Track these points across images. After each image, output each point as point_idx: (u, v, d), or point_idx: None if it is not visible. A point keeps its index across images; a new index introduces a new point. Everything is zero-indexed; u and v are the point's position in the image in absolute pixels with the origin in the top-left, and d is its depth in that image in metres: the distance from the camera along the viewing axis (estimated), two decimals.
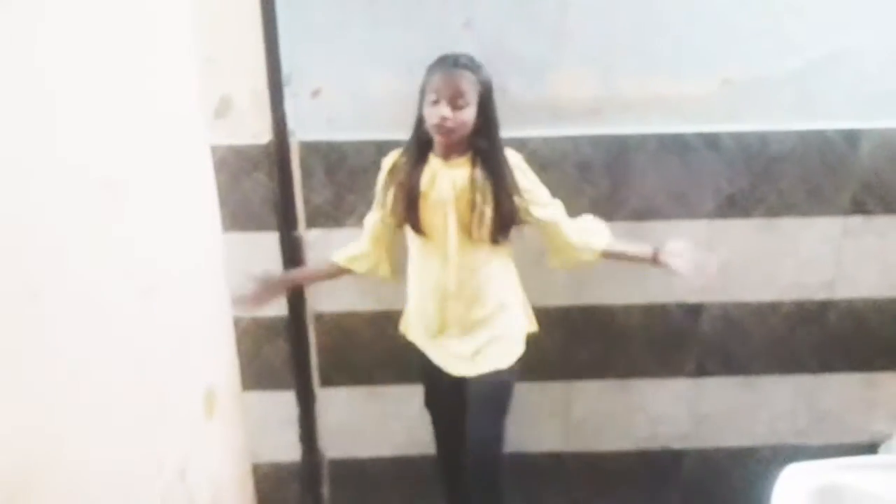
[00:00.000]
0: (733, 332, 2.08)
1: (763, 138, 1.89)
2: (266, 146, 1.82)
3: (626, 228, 1.94)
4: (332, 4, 1.76)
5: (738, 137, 1.89)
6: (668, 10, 1.79)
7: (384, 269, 1.81)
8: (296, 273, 1.90)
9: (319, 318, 2.02)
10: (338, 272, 1.82)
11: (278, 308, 1.97)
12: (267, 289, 1.80)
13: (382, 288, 1.96)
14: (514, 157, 1.66)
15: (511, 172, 1.63)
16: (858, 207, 1.97)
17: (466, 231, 1.63)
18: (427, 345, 1.79)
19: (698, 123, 1.87)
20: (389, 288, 1.94)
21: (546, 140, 1.85)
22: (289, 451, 2.13)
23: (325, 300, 2.01)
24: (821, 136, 1.90)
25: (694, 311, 2.05)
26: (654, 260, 1.72)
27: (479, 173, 1.60)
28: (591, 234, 1.74)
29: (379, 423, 2.15)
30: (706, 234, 1.97)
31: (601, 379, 2.11)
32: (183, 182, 1.67)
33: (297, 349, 2.02)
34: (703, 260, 1.71)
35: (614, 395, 2.14)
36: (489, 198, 1.60)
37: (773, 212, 1.96)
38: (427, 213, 1.64)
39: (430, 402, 1.92)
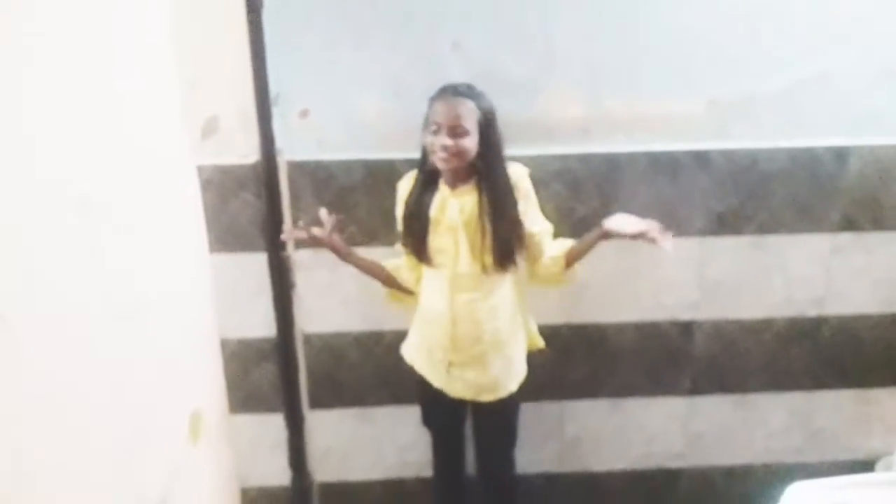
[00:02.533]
0: (726, 349, 2.07)
1: (752, 156, 1.89)
2: (254, 166, 1.81)
3: (616, 246, 1.92)
4: (320, 25, 1.76)
5: (728, 155, 1.89)
6: (655, 31, 1.80)
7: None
8: (350, 249, 1.79)
9: (308, 339, 2.00)
10: (384, 275, 1.80)
11: (266, 329, 1.95)
12: (316, 236, 1.71)
13: (370, 308, 1.95)
14: (519, 172, 1.67)
15: (514, 196, 1.63)
16: (848, 224, 1.97)
17: (477, 257, 1.63)
18: (431, 370, 1.77)
19: (687, 142, 1.88)
20: (377, 308, 1.92)
21: (536, 159, 1.84)
22: (278, 475, 2.09)
23: (313, 321, 1.98)
24: (809, 153, 1.90)
25: (686, 328, 2.04)
26: (606, 234, 1.67)
27: (485, 199, 1.61)
28: (556, 247, 1.73)
29: (369, 446, 2.12)
30: (697, 251, 1.97)
31: (595, 398, 2.09)
32: (169, 203, 1.65)
33: (286, 371, 1.99)
34: (642, 222, 1.64)
35: (608, 415, 2.12)
36: (495, 223, 1.60)
37: (764, 229, 1.96)
38: (437, 239, 1.65)
39: (430, 421, 1.91)
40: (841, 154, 1.91)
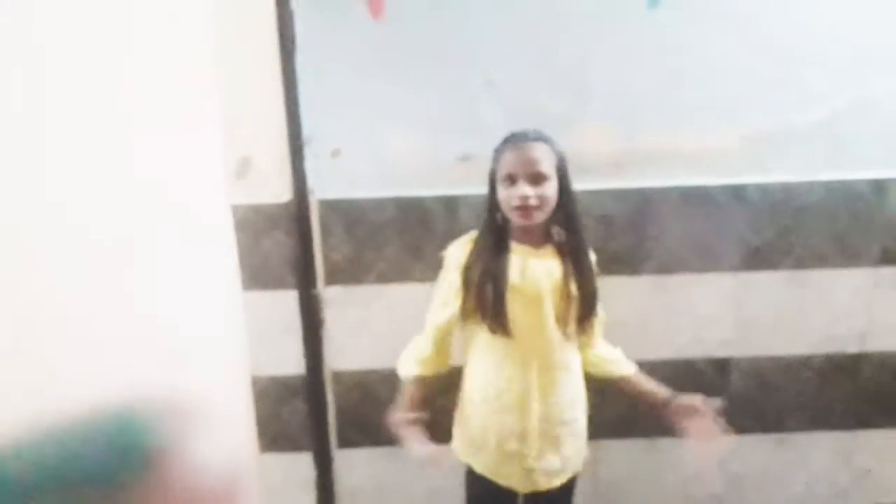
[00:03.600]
0: (764, 387, 2.02)
1: (788, 189, 1.86)
2: (286, 205, 1.82)
3: (651, 282, 1.90)
4: (352, 64, 1.77)
5: (763, 189, 1.86)
6: (689, 64, 1.79)
7: (444, 369, 1.59)
8: (404, 412, 1.56)
9: (337, 376, 1.98)
10: (419, 387, 1.57)
11: (296, 366, 1.94)
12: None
13: (400, 345, 1.92)
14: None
15: (588, 255, 1.51)
16: (888, 258, 1.93)
17: (560, 325, 1.47)
18: (501, 466, 1.53)
19: (722, 176, 1.85)
20: (408, 342, 1.90)
21: None
22: None
23: (342, 358, 1.97)
24: (847, 186, 1.87)
25: (723, 366, 1.99)
26: (665, 408, 1.55)
27: (569, 260, 1.46)
28: (621, 358, 1.63)
29: (399, 486, 2.08)
30: (733, 287, 1.93)
31: (629, 438, 2.04)
32: (204, 241, 1.66)
33: (315, 409, 1.97)
34: (712, 425, 1.51)
35: (643, 455, 2.06)
36: (581, 287, 1.46)
37: (802, 264, 1.92)
38: (517, 308, 1.45)
39: None
40: (879, 186, 1.87)
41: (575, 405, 1.55)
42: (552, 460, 1.52)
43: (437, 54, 1.77)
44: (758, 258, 1.91)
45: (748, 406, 2.03)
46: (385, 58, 1.77)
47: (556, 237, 1.49)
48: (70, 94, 1.06)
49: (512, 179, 1.40)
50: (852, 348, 2.00)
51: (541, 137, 1.44)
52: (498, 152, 1.45)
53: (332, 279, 1.90)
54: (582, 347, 1.57)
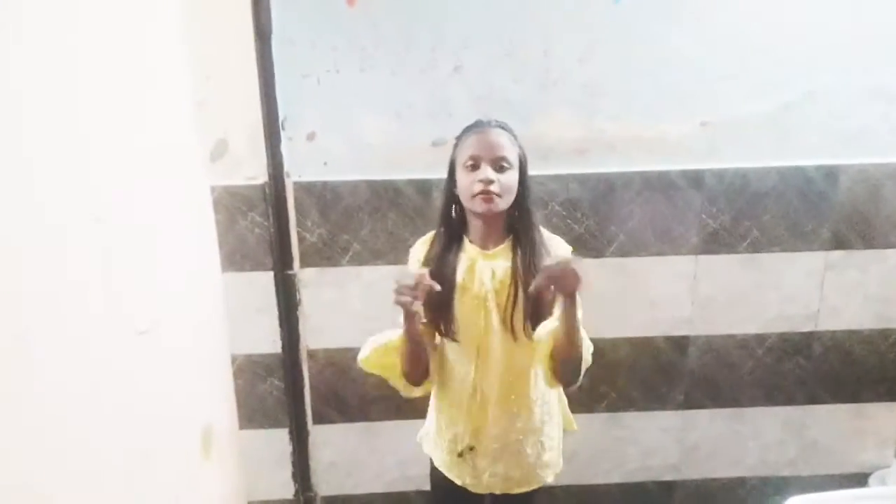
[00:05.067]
0: (720, 364, 2.12)
1: (744, 175, 1.95)
2: (262, 187, 1.87)
3: (614, 264, 1.99)
4: (326, 50, 1.82)
5: (720, 175, 1.95)
6: (650, 56, 1.86)
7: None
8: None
9: (313, 354, 2.04)
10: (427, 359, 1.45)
11: (273, 345, 2.00)
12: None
13: (374, 324, 1.98)
14: (562, 248, 1.47)
15: (546, 251, 1.41)
16: (839, 242, 2.03)
17: (508, 328, 1.39)
18: (454, 464, 1.53)
19: (681, 162, 1.94)
20: (381, 324, 1.96)
21: (534, 179, 1.87)
22: (283, 488, 2.14)
23: (318, 337, 2.03)
24: (800, 172, 1.96)
25: (680, 344, 2.09)
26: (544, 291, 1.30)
27: (520, 260, 1.38)
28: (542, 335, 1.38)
29: (372, 460, 2.15)
30: (691, 268, 2.02)
31: (591, 413, 2.13)
32: (184, 222, 1.70)
33: (291, 386, 2.04)
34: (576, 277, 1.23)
35: (604, 428, 2.16)
36: (528, 285, 1.33)
37: (757, 247, 2.02)
38: (463, 309, 1.40)
39: None
40: (831, 173, 1.97)
41: (541, 417, 1.47)
42: (508, 467, 1.48)
43: (408, 40, 1.82)
44: (715, 241, 2.00)
45: (704, 382, 2.13)
46: (359, 43, 1.82)
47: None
48: (44, 75, 1.08)
49: (475, 164, 1.34)
50: (804, 327, 2.10)
51: (505, 126, 1.41)
52: (460, 139, 1.41)
53: (307, 260, 1.96)
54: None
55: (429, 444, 1.62)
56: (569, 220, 1.94)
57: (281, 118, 1.83)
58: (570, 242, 1.81)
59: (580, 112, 1.88)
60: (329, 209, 1.91)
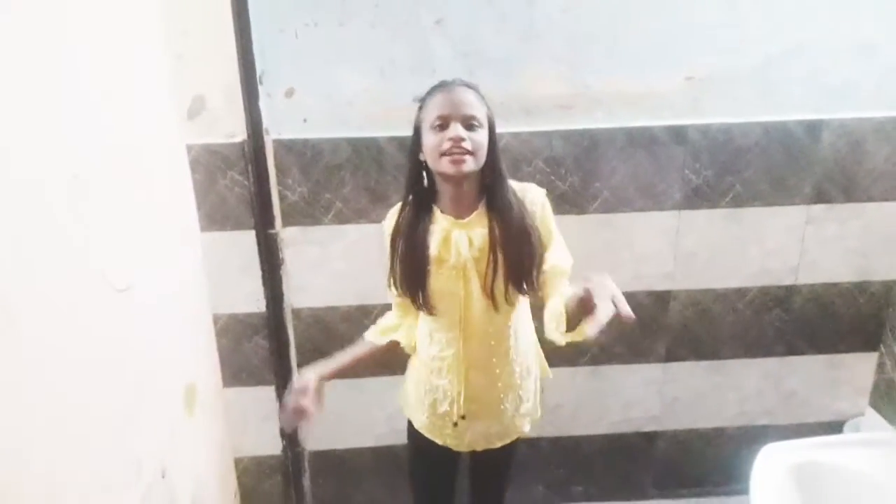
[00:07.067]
0: (701, 318, 2.15)
1: (727, 130, 1.95)
2: (241, 145, 1.84)
3: (598, 220, 1.99)
4: (303, 5, 1.77)
5: (704, 130, 1.94)
6: (633, 9, 1.83)
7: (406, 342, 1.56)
8: (332, 364, 1.53)
9: (298, 313, 2.05)
10: (376, 351, 1.56)
11: (257, 305, 2.00)
12: (307, 394, 1.45)
13: (358, 283, 1.99)
14: (536, 193, 1.42)
15: (524, 210, 1.38)
16: (821, 196, 2.04)
17: (488, 295, 1.37)
18: (435, 426, 1.54)
19: (664, 118, 1.92)
20: (365, 283, 1.97)
21: (518, 136, 1.89)
22: (270, 444, 2.16)
23: (302, 296, 2.03)
24: (783, 127, 1.96)
25: (662, 298, 2.11)
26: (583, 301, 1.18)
27: (497, 227, 1.35)
28: (555, 315, 1.27)
29: (359, 415, 2.18)
30: (675, 224, 2.03)
31: (574, 366, 2.16)
32: (161, 182, 1.67)
33: (276, 345, 2.04)
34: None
35: (587, 381, 2.20)
36: (511, 255, 1.34)
37: (739, 202, 2.02)
38: (440, 281, 1.38)
39: (420, 476, 1.70)
40: (813, 127, 1.96)
41: (520, 374, 1.49)
42: (488, 424, 1.50)
43: None
44: (697, 196, 2.01)
45: (686, 335, 2.16)
46: None
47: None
48: (18, 34, 1.05)
49: (443, 124, 1.29)
50: (785, 281, 2.13)
51: (471, 85, 1.36)
52: (424, 100, 1.35)
53: (289, 219, 1.94)
54: (542, 307, 1.37)
55: (408, 408, 1.62)
56: (553, 177, 1.94)
57: (258, 74, 1.79)
58: (554, 199, 1.80)
59: (564, 67, 1.85)
60: (310, 167, 1.89)
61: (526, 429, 1.57)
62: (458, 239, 1.36)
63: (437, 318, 1.44)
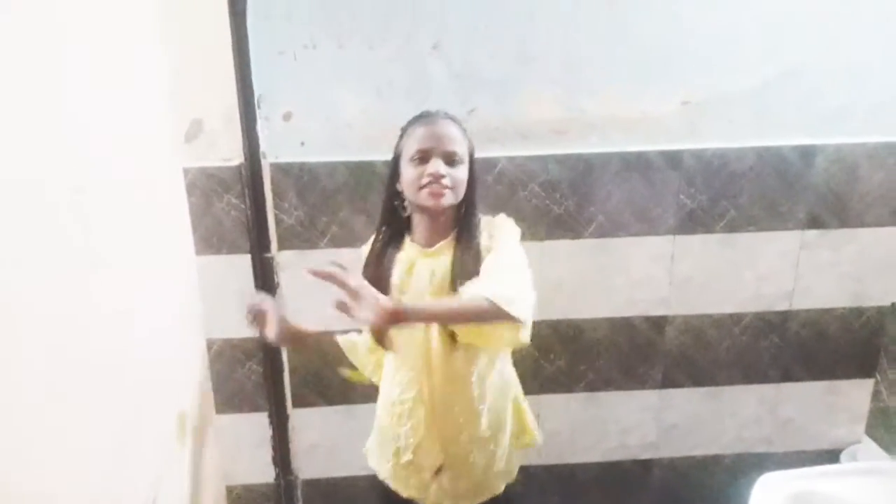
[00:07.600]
0: (697, 344, 2.14)
1: (722, 155, 1.96)
2: (238, 168, 1.84)
3: (593, 245, 2.00)
4: (302, 28, 1.78)
5: (699, 155, 1.96)
6: (629, 33, 1.85)
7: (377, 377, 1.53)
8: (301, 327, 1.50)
9: None
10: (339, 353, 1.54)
11: (250, 330, 1.97)
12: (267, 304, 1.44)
13: None
14: (499, 221, 1.39)
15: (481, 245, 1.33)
16: (815, 221, 2.05)
17: (447, 331, 1.31)
18: (399, 477, 1.47)
19: (660, 142, 1.94)
20: None
21: (513, 160, 1.90)
22: (262, 472, 2.12)
23: (297, 320, 2.00)
24: (777, 152, 1.98)
25: (658, 323, 2.11)
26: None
27: (460, 258, 1.30)
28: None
29: (353, 443, 2.12)
30: (669, 249, 2.03)
31: (570, 392, 2.15)
32: (157, 205, 1.67)
33: (270, 370, 2.02)
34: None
35: (582, 408, 2.18)
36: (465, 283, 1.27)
37: (734, 227, 2.03)
38: None
39: None
40: (807, 153, 1.98)
41: (489, 425, 1.40)
42: (460, 480, 1.42)
43: (384, 17, 1.79)
44: (692, 221, 2.02)
45: (682, 361, 2.15)
46: (334, 21, 1.78)
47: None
48: (22, 51, 1.06)
49: (424, 157, 1.28)
50: (779, 306, 2.13)
51: (454, 119, 1.35)
52: (408, 129, 1.33)
53: (285, 243, 1.93)
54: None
55: (373, 457, 1.57)
56: (548, 202, 1.94)
57: (256, 97, 1.80)
58: (549, 223, 1.78)
59: (559, 91, 1.87)
60: (307, 191, 1.89)
61: (498, 490, 1.48)
62: (420, 270, 1.34)
63: (399, 356, 1.39)
